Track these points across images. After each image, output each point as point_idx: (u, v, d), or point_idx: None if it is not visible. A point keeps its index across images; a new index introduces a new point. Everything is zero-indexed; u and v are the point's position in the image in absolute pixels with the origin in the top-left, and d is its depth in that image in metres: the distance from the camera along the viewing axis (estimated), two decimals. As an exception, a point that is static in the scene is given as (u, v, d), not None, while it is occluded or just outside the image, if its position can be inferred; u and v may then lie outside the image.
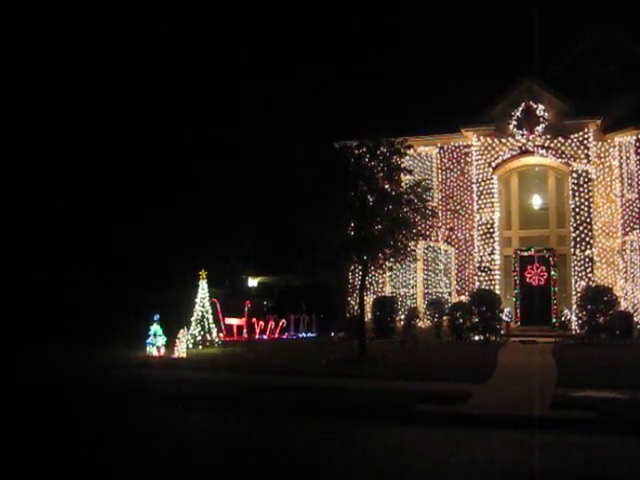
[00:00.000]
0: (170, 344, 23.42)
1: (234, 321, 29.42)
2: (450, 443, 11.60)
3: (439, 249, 29.14)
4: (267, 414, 13.80)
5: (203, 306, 25.63)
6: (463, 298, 27.50)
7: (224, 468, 10.17)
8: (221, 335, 27.33)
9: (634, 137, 26.74)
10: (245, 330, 29.49)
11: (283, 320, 29.83)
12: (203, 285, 25.77)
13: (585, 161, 26.82)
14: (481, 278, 27.47)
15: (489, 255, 27.49)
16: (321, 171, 21.20)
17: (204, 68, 46.35)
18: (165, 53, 45.62)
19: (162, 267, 35.96)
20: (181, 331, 23.15)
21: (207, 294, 25.87)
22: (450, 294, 28.81)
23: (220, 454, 11.00)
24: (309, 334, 29.80)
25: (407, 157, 23.15)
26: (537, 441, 11.47)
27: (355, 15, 54.36)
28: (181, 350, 22.63)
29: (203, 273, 25.74)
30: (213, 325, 25.88)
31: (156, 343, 24.17)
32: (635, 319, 25.29)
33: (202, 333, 25.36)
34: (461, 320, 25.85)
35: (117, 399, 15.68)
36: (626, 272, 26.91)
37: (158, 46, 44.99)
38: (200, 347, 24.60)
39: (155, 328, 24.34)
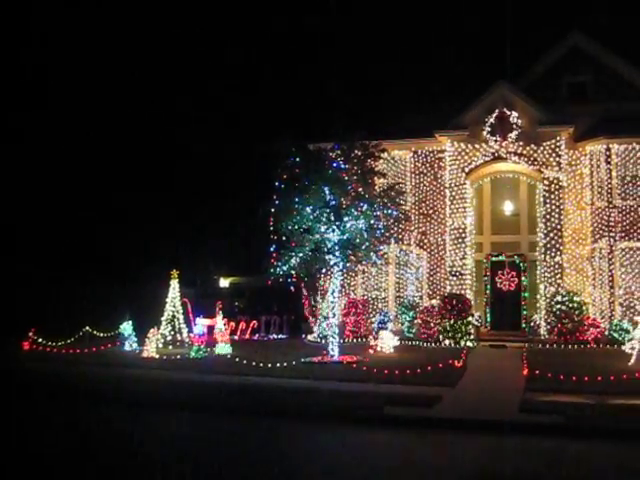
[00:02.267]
0: (140, 343, 23.26)
1: (205, 321, 29.23)
2: (417, 446, 11.66)
3: (411, 253, 29.25)
4: (233, 415, 13.76)
5: (174, 306, 25.50)
6: (434, 302, 27.61)
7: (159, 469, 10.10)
8: (192, 335, 27.17)
9: (604, 146, 27.08)
10: (216, 330, 29.29)
11: (254, 321, 29.74)
12: (174, 285, 25.64)
13: (557, 169, 27.09)
14: (452, 282, 27.62)
15: (460, 260, 27.65)
16: (295, 173, 21.17)
17: (175, 65, 46.10)
18: (135, 53, 45.23)
19: (133, 266, 35.68)
20: (151, 330, 23.01)
21: (178, 294, 25.74)
22: (421, 298, 28.93)
23: (162, 455, 10.91)
24: (280, 336, 29.74)
25: (381, 160, 23.31)
26: (504, 445, 11.58)
27: (331, 16, 54.34)
28: (151, 350, 22.49)
29: (174, 273, 25.61)
30: (184, 325, 25.74)
31: (126, 342, 24.02)
32: (602, 325, 25.59)
33: (172, 333, 25.21)
34: (432, 324, 25.99)
35: (69, 397, 15.56)
36: (594, 279, 27.23)
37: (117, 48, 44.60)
38: (170, 347, 24.44)
39: (125, 327, 24.18)
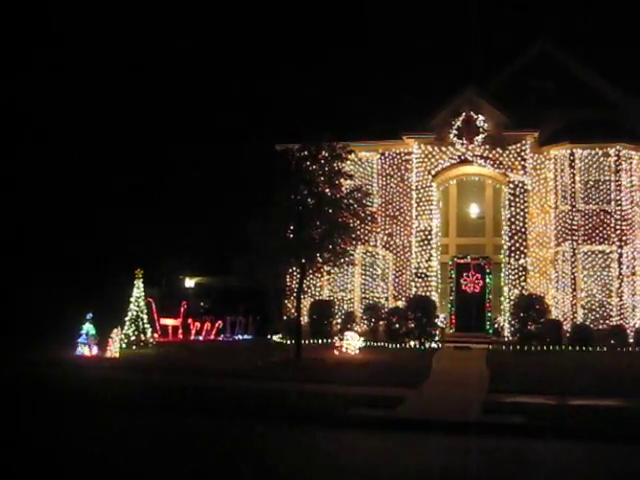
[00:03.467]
0: (103, 344, 22.97)
1: (169, 322, 29.06)
2: (380, 447, 11.66)
3: (377, 254, 29.31)
4: (194, 416, 13.63)
5: (138, 306, 25.22)
6: (400, 303, 27.73)
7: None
8: (156, 336, 26.95)
9: (569, 151, 27.42)
10: (180, 331, 29.16)
11: (219, 321, 29.58)
12: (138, 284, 25.37)
13: (522, 172, 27.37)
14: (418, 284, 27.74)
15: (426, 262, 27.79)
16: (262, 173, 21.11)
17: (145, 67, 45.71)
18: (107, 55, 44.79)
19: (97, 265, 35.25)
20: (115, 330, 22.74)
21: (142, 293, 25.49)
22: (387, 299, 29.01)
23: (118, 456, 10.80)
24: (245, 336, 29.61)
25: (348, 162, 23.28)
26: (468, 445, 11.63)
27: (301, 18, 54.39)
28: (114, 350, 22.23)
29: (139, 272, 25.35)
30: (148, 325, 25.50)
31: (88, 342, 23.67)
32: (565, 327, 25.91)
33: (136, 333, 24.95)
34: (397, 325, 26.08)
35: (28, 398, 15.31)
36: (557, 282, 27.55)
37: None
38: (134, 347, 24.19)
39: (88, 327, 23.82)
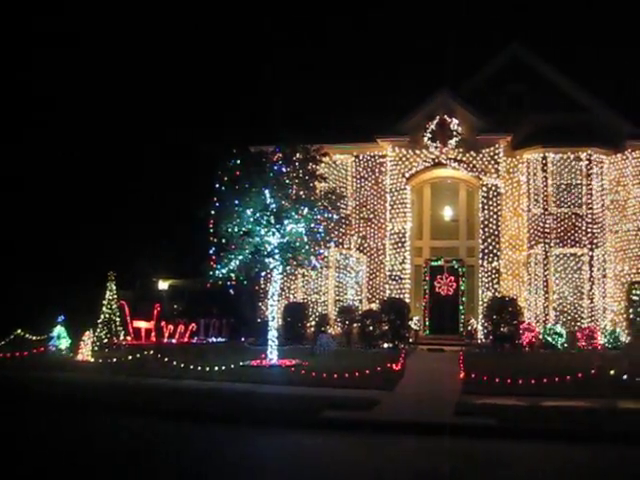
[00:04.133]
0: (75, 346, 22.73)
1: (142, 324, 28.82)
2: (354, 449, 11.67)
3: (351, 257, 29.35)
4: (166, 418, 13.54)
5: (110, 308, 25.00)
6: (374, 306, 27.78)
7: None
8: (128, 338, 26.74)
9: (541, 155, 27.68)
10: (154, 334, 28.93)
11: (193, 324, 29.42)
12: (111, 287, 25.16)
13: (495, 175, 27.57)
14: (392, 287, 27.82)
15: (400, 264, 27.88)
16: (235, 174, 21.01)
17: (119, 67, 45.42)
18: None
19: (69, 267, 34.90)
20: (86, 333, 22.51)
21: (115, 296, 25.27)
22: (361, 302, 29.05)
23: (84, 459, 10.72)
24: (219, 339, 29.49)
25: (322, 164, 23.27)
26: (440, 447, 11.69)
27: (277, 19, 54.39)
28: (86, 353, 22.00)
29: (111, 275, 25.13)
30: (120, 328, 25.28)
31: (59, 345, 23.44)
32: (537, 329, 26.12)
33: (109, 336, 24.71)
34: (371, 328, 26.10)
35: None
36: (530, 284, 27.78)
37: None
38: (106, 350, 23.95)
39: (59, 330, 23.63)
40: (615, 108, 28.05)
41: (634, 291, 26.24)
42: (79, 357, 21.83)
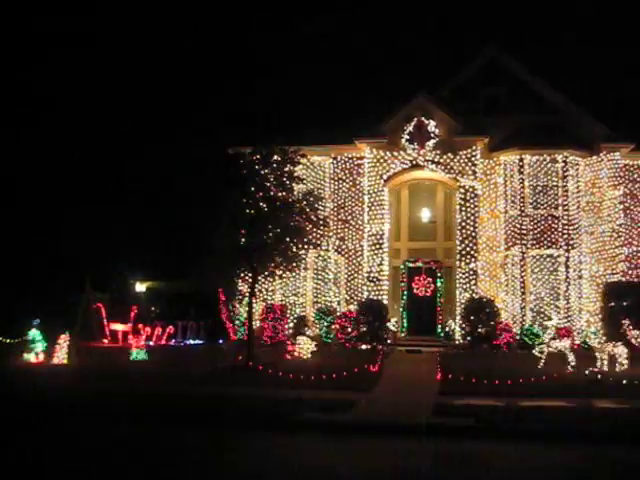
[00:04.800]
0: (51, 350, 22.51)
1: (119, 327, 28.55)
2: (332, 451, 11.66)
3: (329, 258, 29.33)
4: (144, 422, 13.45)
5: (86, 311, 24.79)
6: (352, 307, 27.78)
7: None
8: (105, 341, 26.53)
9: (518, 157, 27.85)
10: (130, 336, 28.67)
11: (170, 326, 29.21)
12: (87, 289, 24.96)
13: (472, 177, 27.71)
14: (370, 288, 27.85)
15: (378, 266, 27.92)
16: (214, 176, 20.97)
17: (96, 62, 45.03)
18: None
19: (44, 270, 34.54)
20: (62, 336, 22.31)
21: (91, 298, 25.06)
22: (339, 303, 29.04)
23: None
24: (197, 341, 29.30)
25: (300, 166, 23.27)
26: (418, 447, 11.71)
27: (254, 20, 54.29)
28: (61, 356, 21.80)
29: (87, 277, 24.93)
30: (97, 331, 25.08)
31: (35, 349, 23.18)
32: (514, 330, 26.27)
33: (85, 339, 24.50)
34: (349, 329, 26.12)
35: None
36: (507, 285, 27.93)
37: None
38: (82, 353, 23.71)
39: (34, 333, 23.34)
40: (590, 111, 28.31)
41: (609, 292, 26.48)
42: (54, 360, 21.62)
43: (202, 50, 48.40)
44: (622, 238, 28.15)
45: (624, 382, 16.73)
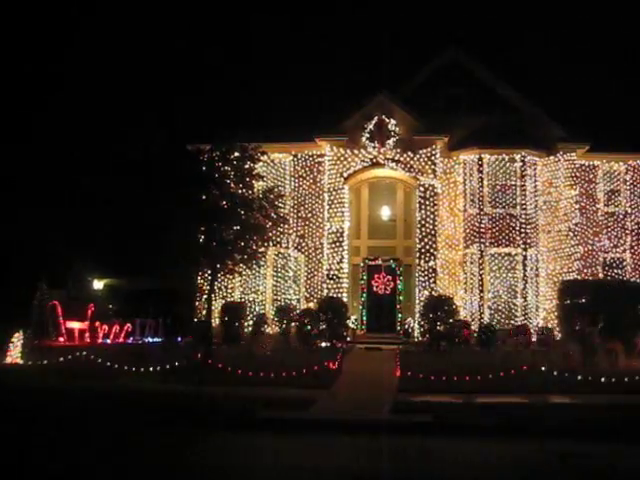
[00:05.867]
0: (3, 349, 22.03)
1: (76, 325, 28.11)
2: (289, 448, 11.62)
3: (289, 256, 29.26)
4: (100, 421, 13.25)
5: (41, 308, 24.34)
6: (312, 305, 27.74)
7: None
8: (61, 339, 26.08)
9: (477, 156, 28.11)
10: (88, 334, 28.26)
11: (128, 324, 28.86)
12: (42, 286, 24.51)
13: (432, 176, 27.88)
14: (330, 286, 27.85)
15: (338, 263, 27.94)
16: (172, 173, 20.75)
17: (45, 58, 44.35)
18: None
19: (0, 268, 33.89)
20: (16, 335, 21.86)
21: (47, 296, 24.62)
22: (299, 301, 28.99)
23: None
24: (155, 339, 28.99)
25: (260, 163, 23.17)
26: (376, 444, 11.73)
27: (217, 15, 53.93)
28: (15, 355, 21.37)
29: (43, 274, 24.48)
30: (52, 329, 24.64)
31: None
32: (473, 327, 26.50)
33: (40, 337, 24.05)
34: (309, 327, 26.03)
35: None
36: (466, 283, 28.18)
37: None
38: (37, 352, 23.27)
39: (-15, 331, 22.83)
40: (548, 112, 28.72)
41: (565, 290, 26.87)
42: (8, 360, 21.19)
43: (160, 48, 47.94)
44: (578, 237, 28.64)
45: (579, 378, 16.98)
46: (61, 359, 20.89)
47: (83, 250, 35.09)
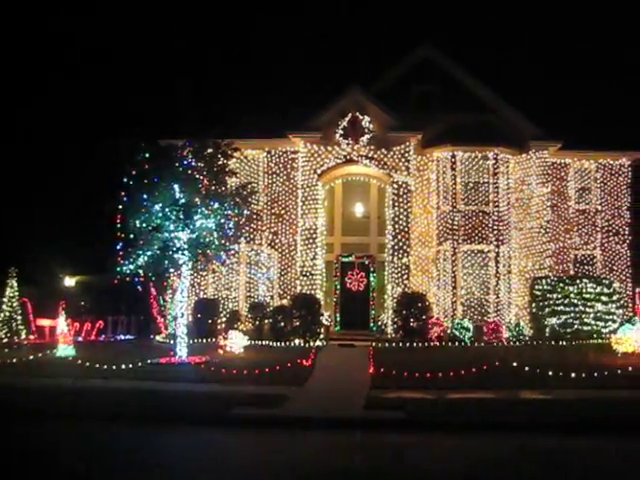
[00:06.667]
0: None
1: (46, 322, 27.79)
2: (262, 446, 11.58)
3: (262, 253, 29.18)
4: (68, 420, 13.09)
5: (11, 306, 24.05)
6: (285, 302, 27.71)
7: None
8: (32, 337, 25.79)
9: (450, 153, 28.24)
10: (58, 332, 27.93)
11: (100, 321, 28.62)
12: (12, 283, 24.23)
13: (405, 173, 27.95)
14: (303, 282, 27.83)
15: (311, 260, 27.93)
16: (144, 169, 20.52)
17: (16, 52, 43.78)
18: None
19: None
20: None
21: (16, 293, 24.32)
22: (272, 298, 28.93)
23: None
24: (127, 336, 28.80)
25: (234, 159, 23.04)
26: (349, 441, 11.73)
27: (190, 13, 53.62)
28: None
29: (12, 271, 24.17)
30: (22, 326, 24.35)
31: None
32: (445, 324, 26.62)
33: (9, 335, 23.75)
34: (282, 324, 26.02)
35: None
36: (439, 280, 28.31)
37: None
38: (6, 350, 22.99)
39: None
40: (521, 110, 28.90)
41: (537, 286, 27.13)
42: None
43: (134, 43, 47.55)
44: (549, 234, 28.92)
45: (550, 373, 17.11)
46: (31, 357, 20.62)
47: (53, 247, 34.73)
